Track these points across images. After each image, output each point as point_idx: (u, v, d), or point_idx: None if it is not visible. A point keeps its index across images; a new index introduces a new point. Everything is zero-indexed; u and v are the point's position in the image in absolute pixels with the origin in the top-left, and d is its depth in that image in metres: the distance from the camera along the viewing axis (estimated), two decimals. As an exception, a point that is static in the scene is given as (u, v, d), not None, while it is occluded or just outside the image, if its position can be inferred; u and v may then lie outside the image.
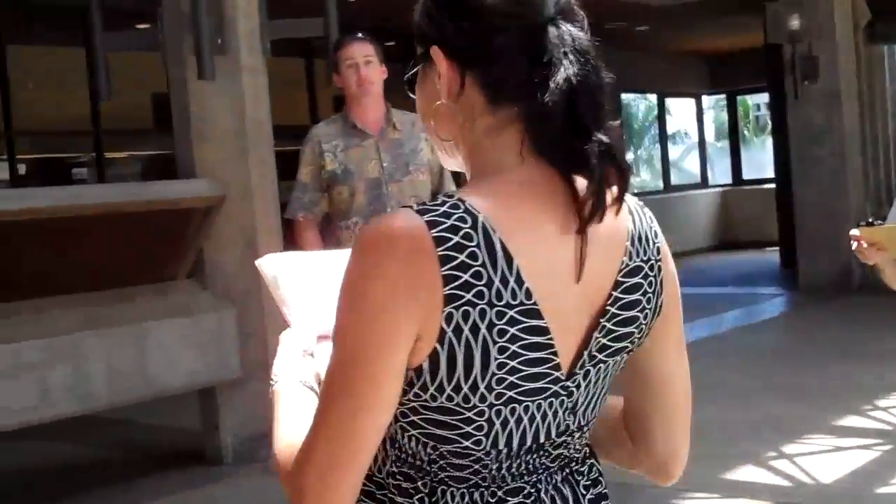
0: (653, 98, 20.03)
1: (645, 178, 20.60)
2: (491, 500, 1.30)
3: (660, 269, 1.34)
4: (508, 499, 1.31)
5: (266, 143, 6.20)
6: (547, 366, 1.25)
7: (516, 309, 1.21)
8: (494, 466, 1.29)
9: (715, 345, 9.74)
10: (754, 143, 21.78)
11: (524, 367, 1.23)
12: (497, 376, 1.22)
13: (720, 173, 20.71)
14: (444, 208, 1.21)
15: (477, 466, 1.28)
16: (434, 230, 1.19)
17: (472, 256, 1.18)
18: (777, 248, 15.04)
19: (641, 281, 1.32)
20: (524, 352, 1.23)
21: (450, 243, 1.18)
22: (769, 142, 16.81)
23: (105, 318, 6.11)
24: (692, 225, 19.19)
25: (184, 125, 6.17)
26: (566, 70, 1.22)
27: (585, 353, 1.29)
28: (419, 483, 1.30)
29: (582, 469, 1.38)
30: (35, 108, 11.27)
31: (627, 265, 1.30)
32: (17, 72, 10.50)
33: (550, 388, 1.27)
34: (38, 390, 5.71)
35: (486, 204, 1.22)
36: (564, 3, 1.30)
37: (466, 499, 1.29)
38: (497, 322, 1.20)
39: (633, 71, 17.95)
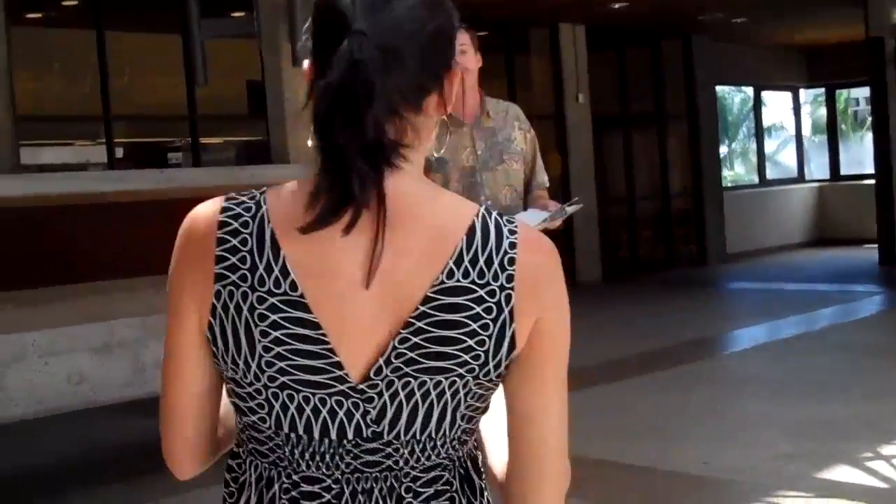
0: (749, 91, 19.70)
1: (739, 171, 20.30)
2: (286, 482, 1.34)
3: (508, 298, 1.29)
4: (303, 485, 1.34)
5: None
6: (324, 361, 1.28)
7: (278, 297, 1.27)
8: (287, 449, 1.33)
9: (809, 342, 9.56)
10: (852, 138, 21.32)
11: (295, 357, 1.28)
12: (265, 359, 1.28)
13: (817, 168, 20.31)
14: (244, 198, 1.32)
15: (271, 444, 1.34)
16: (222, 215, 1.30)
17: (244, 242, 1.28)
18: (875, 244, 14.71)
19: (469, 304, 1.28)
20: (291, 341, 1.28)
21: (228, 228, 1.29)
22: (868, 137, 16.45)
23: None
24: (788, 220, 18.87)
25: (278, 111, 6.24)
26: (326, 78, 1.23)
27: (381, 360, 1.28)
28: (239, 450, 1.41)
29: (419, 489, 1.35)
30: (132, 94, 11.46)
31: (444, 283, 1.27)
32: (115, 58, 10.68)
33: (335, 386, 1.29)
34: (132, 367, 5.82)
35: (280, 200, 1.31)
36: (372, 16, 1.27)
37: (265, 475, 1.36)
38: (258, 306, 1.27)
39: (728, 63, 17.70)
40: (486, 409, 1.38)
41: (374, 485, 1.34)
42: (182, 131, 11.75)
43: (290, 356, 1.28)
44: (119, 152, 11.67)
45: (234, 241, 1.29)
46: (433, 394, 1.30)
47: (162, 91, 11.89)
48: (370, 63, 1.22)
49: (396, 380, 1.29)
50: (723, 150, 18.89)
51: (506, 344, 1.30)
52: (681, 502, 5.10)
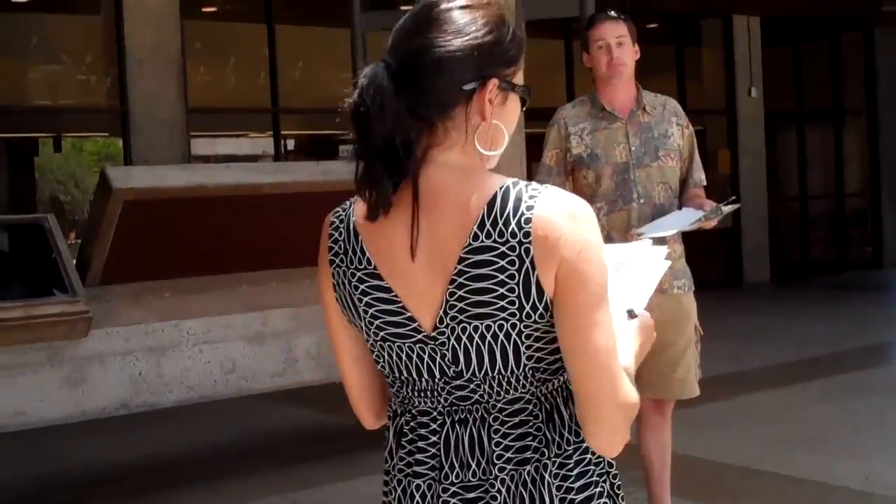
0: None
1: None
2: (408, 415, 1.72)
3: (527, 250, 1.57)
4: (419, 417, 1.70)
5: (517, 124, 6.14)
6: (402, 317, 1.65)
7: (363, 271, 1.67)
8: (405, 389, 1.71)
9: None
10: None
11: (382, 315, 1.66)
12: (366, 319, 1.68)
13: None
14: (346, 204, 1.73)
15: (396, 386, 1.73)
16: (332, 216, 1.73)
17: (340, 235, 1.70)
18: None
19: (495, 259, 1.58)
20: (377, 303, 1.66)
21: (333, 226, 1.72)
22: None
23: (351, 290, 6.24)
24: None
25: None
26: (350, 99, 1.63)
27: (440, 312, 1.62)
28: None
29: (505, 419, 1.65)
30: (301, 87, 11.69)
31: (471, 245, 1.59)
32: (284, 51, 10.90)
33: (414, 336, 1.65)
34: (285, 357, 5.91)
35: (360, 200, 1.67)
36: (396, 45, 1.67)
37: (398, 411, 1.75)
38: (352, 279, 1.67)
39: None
40: (556, 351, 1.63)
41: (468, 416, 1.66)
42: (349, 124, 11.92)
43: (380, 315, 1.66)
44: (289, 144, 11.93)
45: (336, 235, 1.70)
46: (488, 336, 1.61)
47: (331, 84, 12.09)
48: (380, 88, 1.60)
49: (456, 326, 1.62)
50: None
51: (533, 290, 1.58)
52: (837, 518, 4.88)
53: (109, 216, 5.24)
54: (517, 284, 1.57)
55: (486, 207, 1.59)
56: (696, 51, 14.95)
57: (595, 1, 6.20)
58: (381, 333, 1.67)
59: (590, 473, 1.67)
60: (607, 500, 1.70)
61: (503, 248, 1.57)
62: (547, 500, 1.64)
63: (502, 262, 1.57)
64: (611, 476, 1.73)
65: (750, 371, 8.37)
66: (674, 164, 4.37)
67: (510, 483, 1.64)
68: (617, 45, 4.29)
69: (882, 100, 16.35)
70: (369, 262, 1.66)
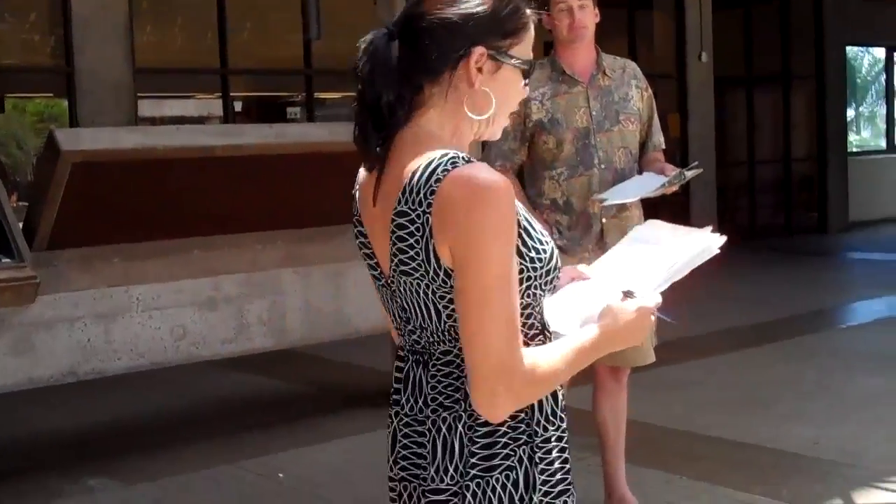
0: (879, 52, 18.99)
1: (866, 136, 19.65)
2: (400, 352, 1.88)
3: (427, 220, 1.69)
4: (399, 352, 1.88)
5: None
6: (373, 261, 1.85)
7: (355, 218, 1.89)
8: (398, 328, 1.87)
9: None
10: None
11: (366, 259, 1.87)
12: (363, 261, 1.88)
13: (949, 135, 19.53)
14: None
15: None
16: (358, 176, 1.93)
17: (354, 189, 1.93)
18: None
19: (408, 224, 1.71)
20: (363, 248, 1.88)
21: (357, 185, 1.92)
22: None
23: (304, 255, 6.19)
24: (916, 188, 18.22)
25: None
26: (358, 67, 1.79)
27: (390, 262, 1.78)
28: None
29: (441, 367, 1.79)
30: (251, 48, 11.53)
31: (396, 208, 1.73)
32: (232, 11, 10.74)
33: (381, 280, 1.84)
34: (236, 323, 5.85)
35: None
36: (402, 13, 1.82)
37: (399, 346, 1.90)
38: (354, 228, 1.89)
39: (860, 22, 17.04)
40: None
41: (420, 358, 1.82)
42: (299, 86, 11.80)
43: (365, 258, 1.87)
44: (237, 106, 11.79)
45: (354, 192, 1.93)
46: (412, 291, 1.76)
47: (280, 46, 11.95)
48: (376, 51, 1.77)
49: (398, 278, 1.77)
50: (850, 113, 18.31)
51: (432, 258, 1.71)
52: (787, 483, 4.93)
53: (57, 179, 5.13)
54: (422, 250, 1.71)
55: (410, 175, 1.72)
56: (648, 14, 14.94)
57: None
58: (371, 275, 1.87)
59: (499, 433, 1.75)
60: (515, 466, 1.76)
61: (413, 216, 1.71)
62: (456, 448, 1.76)
63: (412, 228, 1.71)
64: (534, 445, 1.78)
65: (699, 336, 8.43)
66: (634, 127, 4.35)
67: (434, 425, 1.78)
68: (579, 7, 4.25)
69: (830, 65, 16.46)
70: (357, 211, 1.89)
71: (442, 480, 1.78)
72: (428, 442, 1.79)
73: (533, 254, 1.76)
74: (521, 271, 1.74)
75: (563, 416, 1.86)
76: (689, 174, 4.13)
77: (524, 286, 1.76)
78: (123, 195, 5.53)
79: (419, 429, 1.81)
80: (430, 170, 1.70)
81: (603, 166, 4.24)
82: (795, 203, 16.61)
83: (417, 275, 1.73)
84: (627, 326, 1.80)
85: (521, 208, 1.75)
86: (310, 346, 6.71)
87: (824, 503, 4.74)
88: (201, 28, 11.04)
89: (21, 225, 5.40)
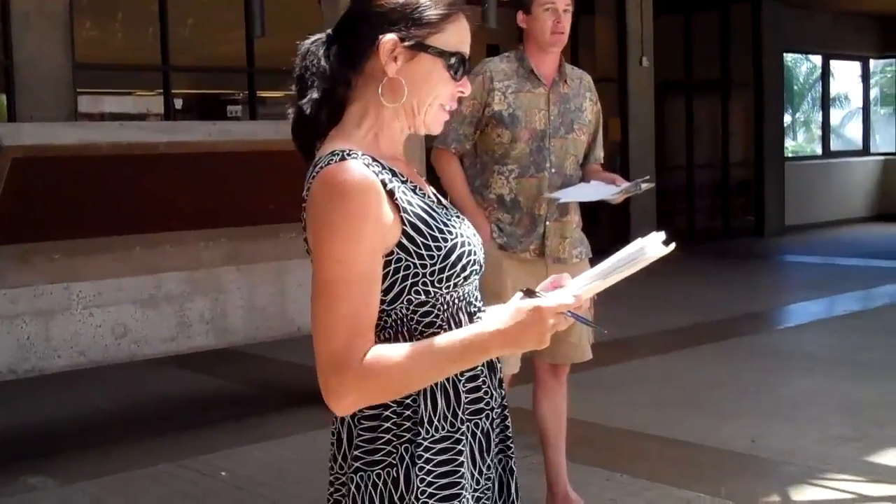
0: (816, 60, 19.30)
1: (802, 142, 19.96)
2: None
3: (303, 216, 1.78)
4: None
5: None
6: None
7: None
8: None
9: (866, 320, 9.39)
10: (922, 112, 20.86)
11: None
12: None
13: (883, 141, 19.89)
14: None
15: None
16: None
17: None
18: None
19: (302, 213, 1.80)
20: None
21: None
22: (938, 111, 16.03)
23: (247, 253, 6.17)
24: (850, 193, 18.53)
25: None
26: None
27: None
28: None
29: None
30: (192, 45, 11.45)
31: (303, 196, 1.79)
32: (174, 8, 10.66)
33: None
34: (178, 321, 5.81)
35: None
36: None
37: None
38: None
39: (797, 30, 17.32)
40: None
41: None
42: (241, 84, 11.74)
43: None
44: (178, 104, 11.68)
45: None
46: None
47: (222, 44, 11.87)
48: (308, 50, 1.87)
49: None
50: (787, 119, 18.58)
51: (309, 245, 1.78)
52: (725, 481, 5.00)
53: (-3, 175, 5.08)
54: (305, 234, 1.80)
55: (310, 168, 1.80)
56: (590, 19, 15.04)
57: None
58: None
59: (382, 428, 1.77)
60: (396, 464, 1.75)
61: (304, 206, 1.79)
62: (344, 439, 1.81)
63: (304, 215, 1.79)
64: (417, 445, 1.76)
65: (639, 336, 8.52)
66: (584, 138, 4.41)
67: (338, 416, 1.83)
68: (564, 11, 4.27)
69: (767, 73, 16.69)
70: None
71: (340, 469, 1.82)
72: (333, 432, 1.84)
73: (422, 250, 1.76)
74: (408, 267, 1.76)
75: (465, 418, 1.82)
76: (645, 186, 4.18)
77: (410, 281, 1.77)
78: (64, 191, 5.48)
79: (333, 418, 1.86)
80: (315, 168, 1.77)
81: (553, 170, 4.27)
82: (733, 207, 16.82)
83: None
84: (519, 326, 1.69)
85: (418, 201, 1.80)
86: (252, 344, 6.68)
87: (762, 500, 4.81)
88: (142, 24, 10.93)
89: (-41, 220, 5.34)
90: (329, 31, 1.88)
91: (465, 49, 1.87)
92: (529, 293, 1.75)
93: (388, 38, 1.80)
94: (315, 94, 1.83)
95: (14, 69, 9.19)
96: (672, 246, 1.77)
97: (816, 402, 6.47)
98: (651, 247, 1.77)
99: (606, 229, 13.91)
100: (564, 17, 4.26)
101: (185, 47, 11.17)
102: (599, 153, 4.54)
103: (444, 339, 1.72)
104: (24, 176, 5.13)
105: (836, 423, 5.96)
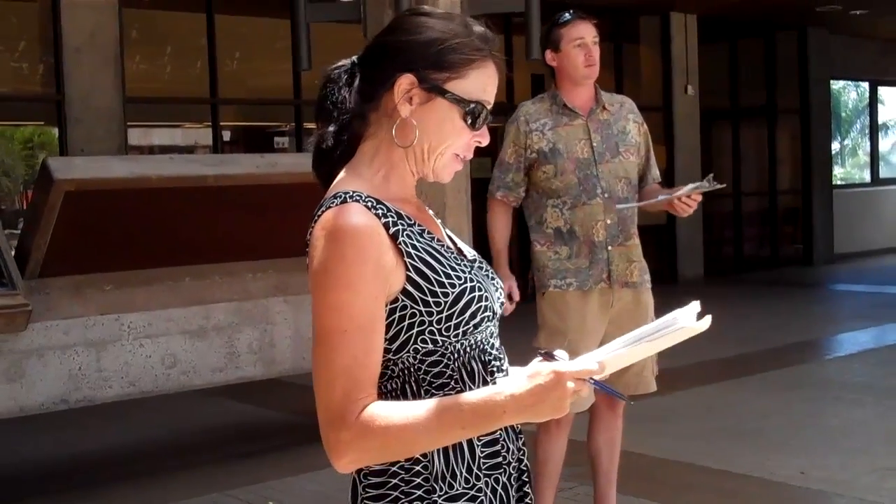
0: (864, 86, 19.16)
1: (851, 169, 19.79)
2: None
3: (306, 260, 1.68)
4: None
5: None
6: None
7: None
8: None
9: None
10: (972, 138, 20.63)
11: None
12: None
13: (933, 169, 19.69)
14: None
15: None
16: None
17: None
18: None
19: (307, 251, 1.68)
20: None
21: None
22: None
23: (294, 284, 6.21)
24: (900, 221, 18.34)
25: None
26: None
27: None
28: None
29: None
30: (240, 78, 11.59)
31: (307, 235, 1.70)
32: (223, 41, 10.81)
33: None
34: (227, 352, 5.86)
35: None
36: None
37: None
38: None
39: (844, 57, 17.23)
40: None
41: None
42: (287, 116, 11.86)
43: None
44: (226, 135, 11.83)
45: None
46: None
47: (270, 76, 12.01)
48: (330, 80, 1.81)
49: None
50: (834, 146, 18.45)
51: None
52: (775, 513, 4.96)
53: (50, 207, 5.15)
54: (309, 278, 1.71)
55: (316, 209, 1.72)
56: (635, 48, 15.07)
57: (539, -2, 6.21)
58: None
59: (390, 486, 1.67)
60: None
61: (306, 248, 1.69)
62: (349, 492, 1.73)
63: (306, 258, 1.70)
64: (431, 503, 1.66)
65: (687, 366, 8.45)
66: (634, 159, 4.42)
67: None
68: (593, 43, 4.33)
69: (814, 100, 16.60)
70: None
71: None
72: (350, 483, 1.74)
73: (428, 296, 1.66)
74: (413, 315, 1.66)
75: (482, 474, 1.71)
76: (715, 184, 4.20)
77: (416, 330, 1.66)
78: (115, 224, 5.56)
79: None
80: (318, 210, 1.69)
81: (606, 195, 4.29)
82: (781, 235, 16.70)
83: None
84: (536, 390, 1.55)
85: (424, 244, 1.70)
86: (299, 374, 6.71)
87: (812, 533, 4.76)
88: (191, 57, 11.11)
89: (13, 252, 5.42)
90: (354, 58, 1.81)
91: (489, 97, 1.76)
92: (548, 356, 1.61)
93: (405, 78, 1.71)
94: (332, 127, 1.77)
95: (66, 103, 9.36)
96: (707, 321, 1.60)
97: (866, 433, 6.39)
98: (685, 318, 1.60)
99: (651, 259, 13.84)
100: (594, 49, 4.32)
101: (233, 80, 11.31)
102: (656, 172, 4.55)
103: (451, 403, 1.58)
104: (76, 209, 5.21)
105: (887, 454, 5.88)
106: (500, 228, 4.43)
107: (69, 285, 5.57)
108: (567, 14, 4.39)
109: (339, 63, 1.82)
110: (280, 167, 6.17)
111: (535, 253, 4.34)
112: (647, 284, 4.40)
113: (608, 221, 4.26)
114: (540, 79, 12.07)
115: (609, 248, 4.29)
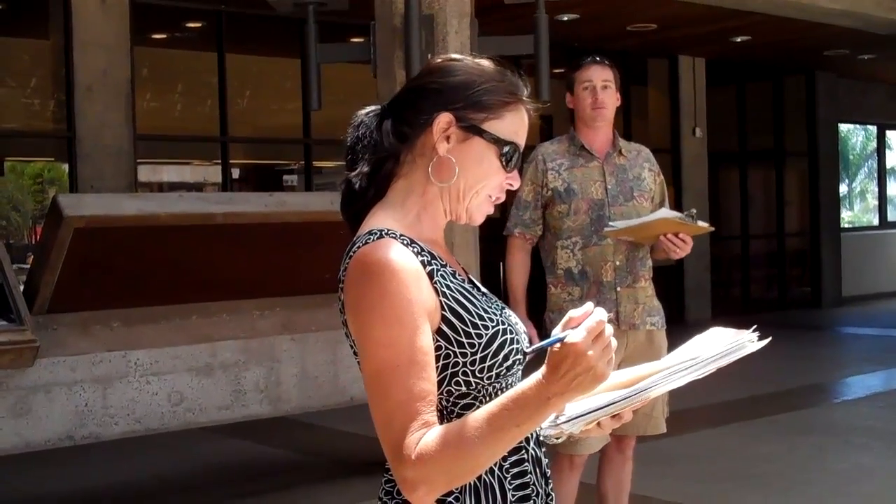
0: (872, 129, 19.20)
1: (859, 212, 19.79)
2: None
3: (340, 298, 1.70)
4: None
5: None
6: None
7: None
8: None
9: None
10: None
11: None
12: None
13: (941, 212, 19.67)
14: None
15: None
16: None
17: None
18: None
19: (338, 290, 1.71)
20: None
21: None
22: None
23: (301, 323, 6.22)
24: (908, 265, 18.31)
25: (389, 137, 6.19)
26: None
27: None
28: None
29: None
30: (250, 116, 11.66)
31: (340, 275, 1.71)
32: (234, 80, 10.87)
33: None
34: (233, 390, 5.86)
35: None
36: None
37: None
38: None
39: (852, 100, 17.28)
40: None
41: None
42: (297, 154, 11.91)
43: None
44: (235, 173, 11.87)
45: None
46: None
47: (279, 114, 12.08)
48: (362, 122, 1.83)
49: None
50: (842, 189, 18.46)
51: (348, 337, 1.72)
52: (782, 558, 4.92)
53: (60, 244, 5.17)
54: (343, 316, 1.71)
55: (348, 247, 1.74)
56: (643, 90, 15.12)
57: (549, 40, 6.26)
58: None
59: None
60: None
61: (340, 285, 1.71)
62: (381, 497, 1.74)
63: (339, 294, 1.72)
64: None
65: (693, 408, 8.42)
66: (647, 204, 4.44)
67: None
68: (602, 87, 4.39)
69: (822, 143, 16.64)
70: None
71: None
72: None
73: (462, 337, 1.66)
74: (447, 356, 1.66)
75: None
76: (699, 222, 4.20)
77: (450, 371, 1.66)
78: (124, 260, 5.58)
79: None
80: (352, 248, 1.70)
81: (616, 238, 4.31)
82: (789, 277, 16.68)
83: (353, 352, 1.73)
84: (554, 360, 1.49)
85: (457, 286, 1.70)
86: (306, 413, 6.71)
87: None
88: (201, 95, 11.17)
89: (22, 288, 5.43)
90: (385, 104, 1.84)
91: (521, 141, 1.79)
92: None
93: (444, 116, 1.74)
94: (365, 168, 1.79)
95: (76, 140, 9.41)
96: (764, 342, 1.68)
97: (874, 479, 6.36)
98: (745, 339, 1.70)
99: (661, 300, 13.83)
100: (603, 93, 4.39)
101: (243, 118, 11.37)
102: None
103: (495, 407, 1.52)
104: (85, 245, 5.23)
105: (895, 501, 5.85)
106: (519, 272, 4.45)
107: (77, 321, 5.58)
108: (587, 58, 4.48)
109: (371, 107, 1.85)
110: (289, 206, 6.19)
111: (551, 295, 4.38)
112: (657, 326, 4.41)
113: (617, 263, 4.29)
114: (549, 120, 12.13)
115: (618, 288, 4.30)
